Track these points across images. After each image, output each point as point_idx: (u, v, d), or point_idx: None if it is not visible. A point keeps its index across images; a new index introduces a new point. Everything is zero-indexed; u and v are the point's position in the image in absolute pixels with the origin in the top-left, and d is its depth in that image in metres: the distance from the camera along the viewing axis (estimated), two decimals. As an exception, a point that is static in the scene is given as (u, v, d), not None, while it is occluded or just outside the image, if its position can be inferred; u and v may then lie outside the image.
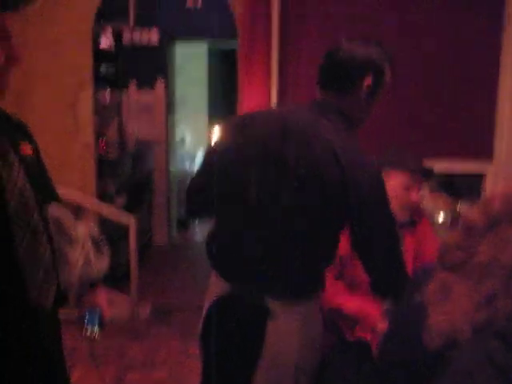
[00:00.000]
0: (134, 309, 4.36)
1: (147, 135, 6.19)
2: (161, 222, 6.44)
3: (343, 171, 1.72)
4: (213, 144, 2.13)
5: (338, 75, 1.87)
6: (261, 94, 2.77)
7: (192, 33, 6.32)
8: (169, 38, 6.26)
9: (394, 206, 2.52)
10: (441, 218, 3.63)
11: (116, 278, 4.37)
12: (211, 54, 7.56)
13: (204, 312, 1.99)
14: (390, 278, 1.86)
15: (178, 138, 7.18)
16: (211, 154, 2.02)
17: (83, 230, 1.94)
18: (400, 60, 3.02)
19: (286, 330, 1.84)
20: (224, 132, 2.00)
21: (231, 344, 1.90)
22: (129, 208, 5.07)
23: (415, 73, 3.17)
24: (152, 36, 6.02)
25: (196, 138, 7.69)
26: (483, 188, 3.41)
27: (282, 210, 1.79)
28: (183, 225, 7.02)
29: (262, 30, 2.77)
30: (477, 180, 3.72)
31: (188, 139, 7.64)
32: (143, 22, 5.96)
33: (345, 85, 1.87)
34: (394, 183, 2.54)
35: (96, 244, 1.98)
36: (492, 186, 3.30)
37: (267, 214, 1.81)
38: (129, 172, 5.68)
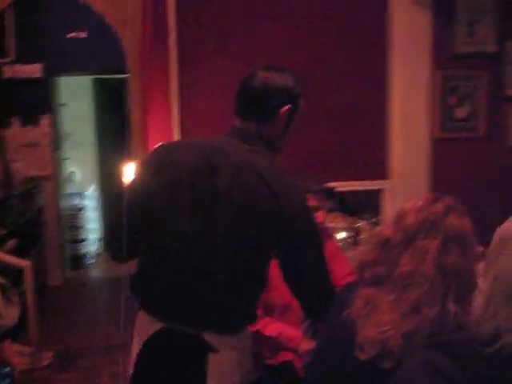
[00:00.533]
0: (33, 357, 4.13)
1: (35, 172, 5.95)
2: (54, 261, 6.18)
3: (275, 196, 1.74)
4: (132, 181, 2.05)
5: (256, 105, 1.90)
6: (163, 126, 2.73)
7: (76, 67, 6.18)
8: (52, 73, 6.08)
9: None
10: (340, 235, 3.75)
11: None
12: (96, 88, 7.42)
13: (135, 352, 1.92)
14: (323, 299, 1.88)
15: (66, 174, 6.96)
16: (133, 191, 1.93)
17: (-14, 278, 1.83)
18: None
19: (227, 362, 1.82)
20: (145, 167, 1.94)
21: (172, 381, 1.84)
22: (20, 250, 4.81)
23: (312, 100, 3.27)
24: (34, 71, 5.81)
25: (85, 174, 7.49)
26: (381, 204, 3.56)
27: (216, 241, 1.77)
28: (77, 263, 6.79)
29: (159, 62, 2.74)
30: (369, 198, 3.89)
31: (77, 175, 7.43)
32: (25, 56, 5.75)
33: (264, 114, 1.89)
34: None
35: (4, 293, 1.87)
36: (389, 202, 3.46)
37: (200, 247, 1.78)
38: (18, 211, 5.41)
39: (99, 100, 7.48)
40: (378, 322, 1.59)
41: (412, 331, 1.55)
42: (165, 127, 2.72)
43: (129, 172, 2.62)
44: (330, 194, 2.76)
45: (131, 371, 1.95)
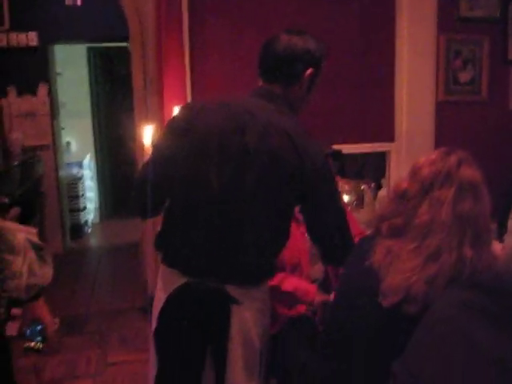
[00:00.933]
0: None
1: (33, 142, 5.93)
2: (54, 230, 6.20)
3: (300, 154, 1.79)
4: (158, 141, 2.08)
5: (281, 69, 1.93)
6: (178, 87, 2.75)
7: (72, 35, 6.12)
8: (48, 41, 6.02)
9: None
10: (345, 199, 3.81)
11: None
12: (92, 56, 7.36)
13: (159, 306, 1.98)
14: (344, 248, 1.97)
15: (63, 143, 6.94)
16: (160, 151, 1.96)
17: (23, 238, 1.85)
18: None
19: (249, 314, 1.90)
20: (172, 127, 1.97)
21: (196, 333, 1.91)
22: (21, 219, 4.83)
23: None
24: (30, 39, 5.76)
25: (81, 143, 7.47)
26: (386, 166, 3.61)
27: (243, 197, 1.83)
28: (76, 232, 6.81)
29: (172, 22, 2.73)
30: (371, 161, 3.94)
31: (73, 145, 7.41)
32: (20, 25, 5.69)
33: (289, 78, 1.93)
34: None
35: (38, 252, 1.90)
36: (395, 164, 3.52)
37: (228, 203, 1.83)
38: (18, 181, 5.41)
39: (95, 69, 7.42)
40: (401, 269, 1.66)
41: (433, 277, 1.63)
42: (180, 89, 2.73)
43: (148, 134, 2.64)
44: (338, 156, 2.81)
45: (155, 325, 2.01)
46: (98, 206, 7.70)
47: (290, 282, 2.51)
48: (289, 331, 2.50)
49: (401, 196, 1.81)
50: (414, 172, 1.81)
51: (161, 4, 2.64)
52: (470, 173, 1.74)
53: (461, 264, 1.65)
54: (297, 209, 2.19)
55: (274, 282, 2.40)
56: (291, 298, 2.50)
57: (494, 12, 3.61)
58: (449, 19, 3.52)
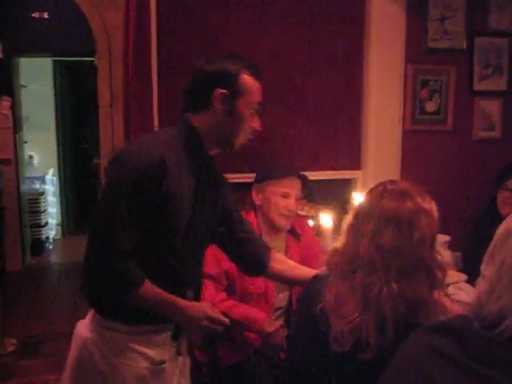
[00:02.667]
0: (-2, 344, 4.07)
1: (-5, 156, 5.79)
2: (14, 246, 6.05)
3: None
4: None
5: (190, 92, 1.85)
6: (145, 107, 2.69)
7: (38, 47, 6.03)
8: (13, 53, 5.91)
9: (273, 213, 2.66)
10: (310, 224, 3.81)
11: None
12: (57, 70, 7.26)
13: None
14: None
15: (25, 157, 6.81)
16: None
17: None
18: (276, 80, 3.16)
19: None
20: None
21: None
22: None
23: (288, 95, 3.31)
24: (-5, 50, 5.65)
25: (44, 157, 7.34)
26: (352, 194, 3.62)
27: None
28: (37, 248, 6.67)
29: (141, 42, 2.68)
30: (337, 187, 3.95)
31: (36, 158, 7.27)
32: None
33: (197, 100, 1.83)
34: (272, 191, 2.66)
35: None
36: (361, 192, 3.52)
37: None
38: (-22, 196, 5.28)
39: (60, 82, 7.32)
40: (344, 312, 1.65)
41: (381, 320, 1.61)
42: (146, 110, 2.68)
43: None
44: (305, 181, 2.81)
45: None
46: (59, 221, 7.56)
47: (238, 310, 2.48)
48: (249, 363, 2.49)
49: (346, 232, 1.81)
50: (355, 206, 1.82)
51: (129, 21, 2.59)
52: (393, 205, 1.72)
53: (394, 302, 1.63)
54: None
55: (222, 307, 2.38)
56: (240, 327, 2.47)
57: (460, 43, 3.66)
58: (416, 49, 3.56)
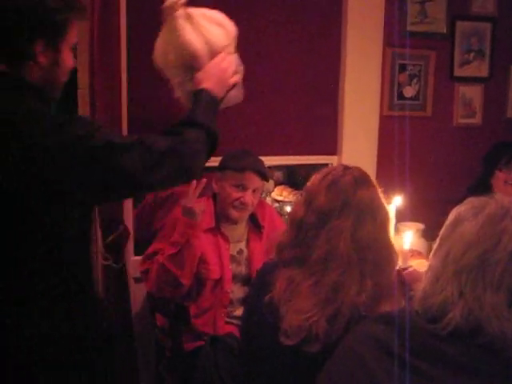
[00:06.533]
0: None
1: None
2: None
3: None
4: None
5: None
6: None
7: None
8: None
9: (227, 204, 2.61)
10: (288, 209, 3.76)
11: None
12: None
13: None
14: None
15: None
16: None
17: None
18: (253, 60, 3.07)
19: None
20: None
21: None
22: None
23: (262, 79, 3.23)
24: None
25: None
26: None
27: None
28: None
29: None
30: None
31: None
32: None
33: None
34: (228, 182, 2.63)
35: None
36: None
37: None
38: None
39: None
40: (301, 308, 1.59)
41: (334, 315, 1.56)
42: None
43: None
44: (265, 175, 2.72)
45: None
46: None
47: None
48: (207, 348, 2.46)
49: (298, 225, 1.73)
50: (310, 200, 1.71)
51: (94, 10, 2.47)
52: (368, 195, 1.67)
53: (360, 298, 1.59)
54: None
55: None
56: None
57: (441, 27, 3.59)
58: (395, 33, 3.48)
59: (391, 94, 3.54)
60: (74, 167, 1.45)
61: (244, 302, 2.67)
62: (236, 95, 1.97)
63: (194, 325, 2.60)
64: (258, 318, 1.73)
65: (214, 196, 2.74)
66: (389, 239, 1.69)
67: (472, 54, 3.71)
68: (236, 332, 2.55)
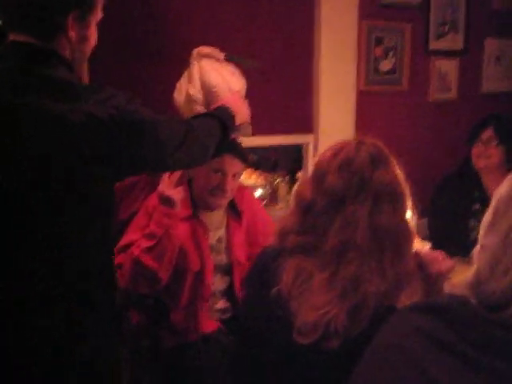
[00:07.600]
0: None
1: None
2: None
3: None
4: None
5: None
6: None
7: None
8: None
9: (203, 190, 2.39)
10: (258, 193, 3.59)
11: None
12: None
13: None
14: None
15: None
16: None
17: None
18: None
19: None
20: None
21: None
22: None
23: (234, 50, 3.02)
24: None
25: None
26: (303, 159, 3.39)
27: None
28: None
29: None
30: (286, 153, 3.72)
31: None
32: None
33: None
34: (204, 167, 2.35)
35: None
36: (312, 157, 3.27)
37: None
38: None
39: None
40: (315, 303, 1.41)
41: (356, 308, 1.39)
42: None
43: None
44: (244, 158, 2.51)
45: None
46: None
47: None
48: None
49: (305, 209, 1.53)
50: (320, 179, 1.51)
51: None
52: (386, 176, 1.48)
53: (382, 289, 1.41)
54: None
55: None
56: None
57: (415, -1, 3.45)
58: (370, 5, 3.32)
59: (367, 68, 3.39)
60: (124, 140, 1.50)
61: (226, 293, 2.48)
62: (246, 130, 2.29)
63: (174, 320, 2.39)
64: (263, 313, 1.53)
65: (189, 181, 2.50)
66: (407, 223, 1.51)
67: (447, 27, 3.59)
68: (223, 328, 2.37)
